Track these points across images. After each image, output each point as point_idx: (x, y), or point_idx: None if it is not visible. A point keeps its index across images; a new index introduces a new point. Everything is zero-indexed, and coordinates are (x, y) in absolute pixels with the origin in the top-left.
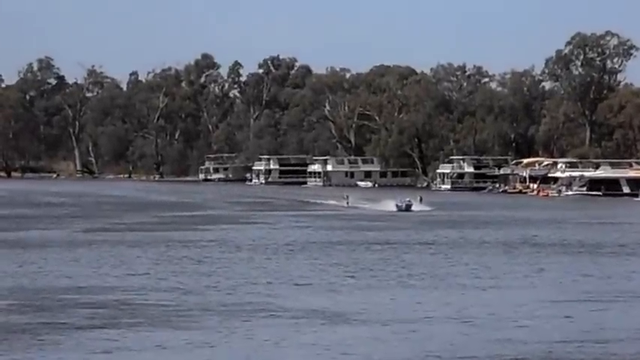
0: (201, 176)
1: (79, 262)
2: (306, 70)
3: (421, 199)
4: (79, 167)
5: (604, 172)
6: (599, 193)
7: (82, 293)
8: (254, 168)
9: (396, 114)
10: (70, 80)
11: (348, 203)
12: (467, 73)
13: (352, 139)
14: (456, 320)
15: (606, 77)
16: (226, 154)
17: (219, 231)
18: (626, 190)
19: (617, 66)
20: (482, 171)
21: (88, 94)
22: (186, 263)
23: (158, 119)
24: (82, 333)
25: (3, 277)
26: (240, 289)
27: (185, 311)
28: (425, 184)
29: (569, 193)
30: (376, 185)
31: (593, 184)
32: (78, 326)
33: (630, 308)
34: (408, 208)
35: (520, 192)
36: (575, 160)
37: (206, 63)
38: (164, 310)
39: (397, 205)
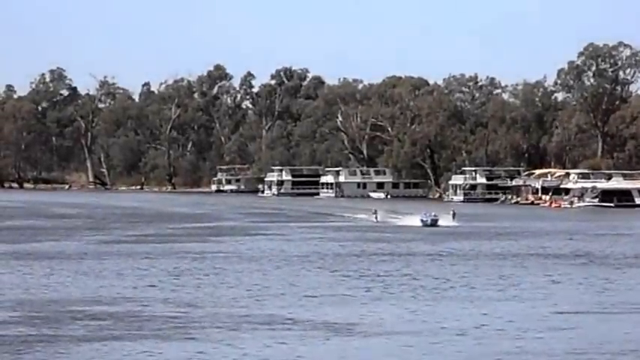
0: (214, 187)
1: (89, 274)
2: (319, 81)
3: (454, 215)
4: (91, 178)
5: (616, 184)
6: (612, 204)
7: (90, 305)
8: (266, 179)
9: (408, 125)
10: (82, 91)
11: (377, 219)
12: (479, 84)
13: (364, 151)
14: (467, 332)
15: (618, 88)
16: (238, 166)
17: (231, 242)
18: (638, 201)
19: (629, 77)
20: (495, 182)
21: (101, 105)
22: (198, 275)
23: (170, 130)
24: (88, 345)
25: (13, 288)
26: (250, 301)
27: (194, 323)
28: (437, 195)
29: (582, 204)
30: (388, 196)
31: (606, 195)
32: (84, 338)
33: (634, 320)
34: (434, 223)
35: (532, 203)
36: (587, 172)
37: (218, 74)
38: (173, 323)
39: (422, 220)
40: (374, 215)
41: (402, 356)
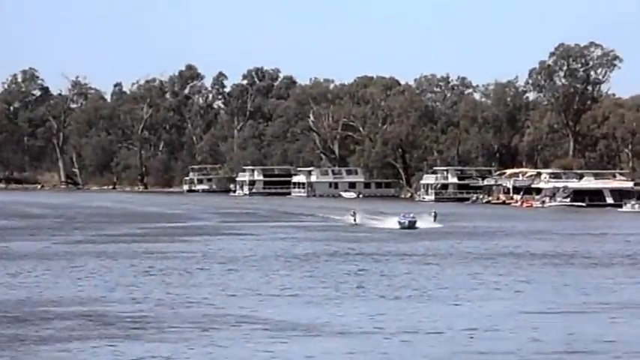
0: (186, 187)
1: (59, 274)
2: (290, 81)
3: (435, 216)
4: (63, 178)
5: (588, 183)
6: (583, 203)
7: (59, 305)
8: (238, 179)
9: (379, 125)
10: (54, 91)
11: (355, 220)
12: (450, 84)
13: (336, 150)
14: (436, 332)
15: (590, 88)
16: (210, 165)
17: (202, 242)
18: (609, 200)
19: (600, 77)
20: (466, 182)
21: (73, 106)
22: (168, 275)
23: (142, 130)
24: (54, 346)
25: None
26: (221, 301)
27: (162, 323)
28: (409, 195)
29: (553, 203)
30: (360, 196)
31: (577, 194)
32: (51, 339)
33: (607, 319)
34: (411, 225)
35: (504, 203)
36: (558, 171)
37: (190, 74)
38: (141, 323)
39: (399, 222)
40: (352, 217)
41: (369, 356)
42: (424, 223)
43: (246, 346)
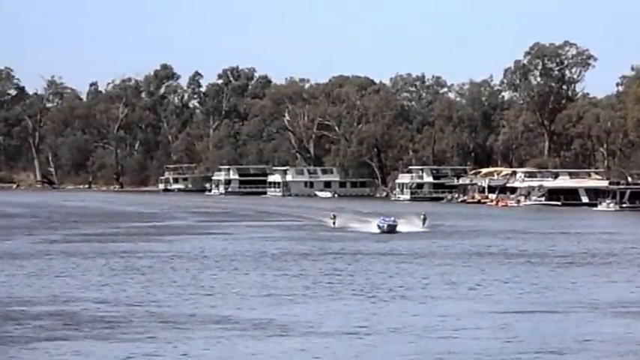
0: (161, 186)
1: (32, 274)
2: (266, 81)
3: (425, 219)
4: (39, 178)
5: (563, 182)
6: (558, 202)
7: (31, 305)
8: (214, 178)
9: (355, 124)
10: (30, 91)
11: (334, 224)
12: (425, 84)
13: (312, 150)
14: (408, 331)
15: (565, 87)
16: (186, 165)
17: (177, 242)
18: (584, 199)
19: (575, 76)
20: (442, 181)
21: (48, 105)
22: (142, 274)
23: (118, 130)
24: (26, 346)
25: None
26: (195, 300)
27: (135, 323)
28: (384, 194)
29: (528, 202)
30: (336, 195)
31: (552, 193)
32: (22, 339)
33: (583, 318)
34: (391, 229)
35: (479, 202)
36: (534, 170)
37: (166, 73)
38: (113, 322)
39: (379, 226)
40: (332, 220)
41: (342, 355)
42: (411, 226)
43: (219, 345)
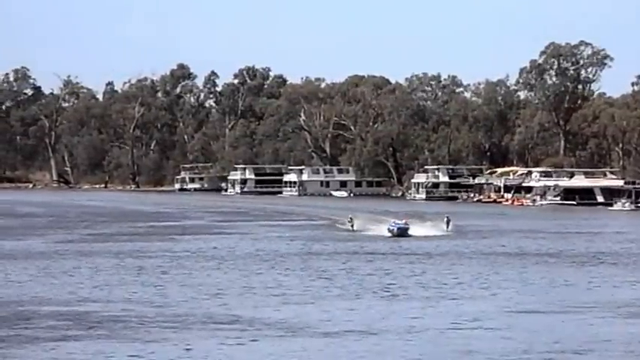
0: (177, 186)
1: (49, 274)
2: (281, 80)
3: (448, 222)
4: (55, 177)
5: (578, 182)
6: (574, 202)
7: (46, 305)
8: (229, 178)
9: (371, 124)
10: (46, 90)
11: (353, 227)
12: (441, 83)
13: (327, 149)
14: (421, 331)
15: (580, 87)
16: (202, 164)
17: (193, 241)
18: (600, 199)
19: (591, 75)
20: (457, 180)
21: (64, 105)
22: (159, 274)
23: (134, 129)
24: (40, 346)
25: None
26: (206, 300)
27: (148, 323)
28: (400, 193)
29: (544, 202)
30: (351, 195)
31: (568, 193)
32: (37, 339)
33: (593, 318)
34: (402, 232)
35: (494, 201)
36: (549, 170)
37: (182, 73)
38: (124, 322)
39: (389, 229)
40: (349, 223)
41: (357, 355)
42: (434, 230)
43: (233, 346)
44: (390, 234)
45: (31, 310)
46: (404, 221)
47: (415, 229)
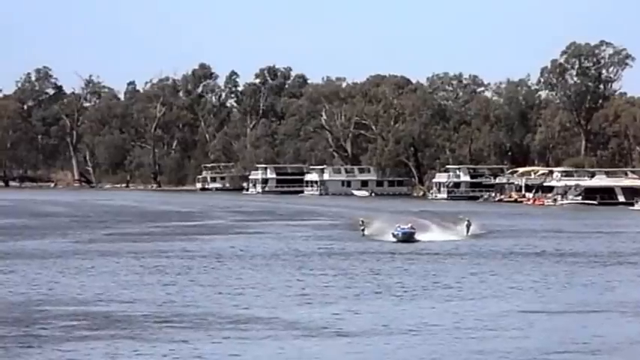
0: (199, 185)
1: (72, 274)
2: (303, 80)
3: (469, 226)
4: (76, 177)
5: (599, 181)
6: (595, 202)
7: (69, 305)
8: (251, 177)
9: (392, 123)
10: (67, 90)
11: (364, 232)
12: (462, 83)
13: (349, 149)
14: (438, 331)
15: (601, 86)
16: (223, 164)
17: (215, 241)
18: (621, 198)
19: (612, 75)
20: (478, 180)
21: (86, 104)
22: (177, 274)
23: (155, 129)
24: (62, 345)
25: None
26: (224, 300)
27: (169, 323)
28: (421, 193)
29: (565, 202)
30: (373, 194)
31: (589, 193)
32: (59, 339)
33: (617, 318)
34: (407, 237)
35: (515, 201)
36: (570, 169)
37: (203, 73)
38: (147, 322)
39: (393, 234)
40: (361, 227)
41: (373, 354)
42: (452, 235)
43: (252, 345)
44: (394, 239)
45: (51, 309)
46: (409, 225)
47: (431, 235)
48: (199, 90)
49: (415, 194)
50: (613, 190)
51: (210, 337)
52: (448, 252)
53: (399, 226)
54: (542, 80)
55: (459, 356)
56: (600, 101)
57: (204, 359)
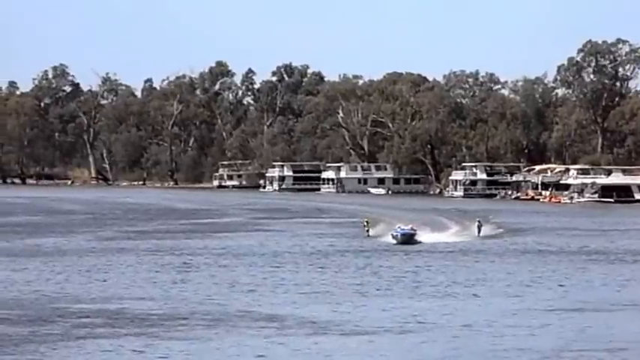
0: (215, 183)
1: (88, 271)
2: (319, 78)
3: (480, 227)
4: (93, 174)
5: (616, 179)
6: (611, 199)
7: (81, 302)
8: (268, 175)
9: (408, 121)
10: (84, 87)
11: (368, 232)
12: (479, 80)
13: (365, 146)
14: (455, 329)
15: (618, 84)
16: (240, 161)
17: (232, 238)
18: (637, 196)
19: (628, 73)
20: (495, 178)
21: (103, 102)
22: (193, 271)
23: (172, 126)
24: (74, 343)
25: (7, 286)
26: (239, 297)
27: (185, 320)
28: (438, 190)
29: (581, 199)
30: (389, 192)
31: (605, 190)
32: (72, 336)
33: (627, 317)
34: (407, 239)
35: (532, 198)
36: (587, 167)
37: (220, 70)
38: (162, 320)
39: (392, 235)
40: (365, 227)
41: (388, 352)
42: (463, 236)
43: (266, 343)
44: (394, 240)
45: (68, 307)
46: (410, 226)
47: (434, 236)
48: (216, 87)
49: (432, 192)
50: (629, 188)
51: (226, 334)
52: (463, 250)
53: (399, 227)
54: (558, 78)
55: (474, 354)
56: (617, 99)
57: (221, 356)
